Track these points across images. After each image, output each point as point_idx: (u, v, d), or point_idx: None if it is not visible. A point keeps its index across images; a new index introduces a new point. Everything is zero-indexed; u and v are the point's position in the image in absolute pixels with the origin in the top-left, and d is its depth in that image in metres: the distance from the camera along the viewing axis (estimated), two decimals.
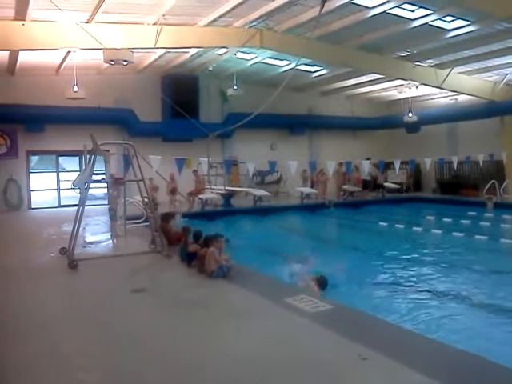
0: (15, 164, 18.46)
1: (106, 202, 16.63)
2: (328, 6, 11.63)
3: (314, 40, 14.76)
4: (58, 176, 19.72)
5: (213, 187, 18.31)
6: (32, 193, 19.21)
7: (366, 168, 19.49)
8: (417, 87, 20.55)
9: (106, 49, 12.41)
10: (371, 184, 21.41)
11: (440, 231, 13.12)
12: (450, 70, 18.02)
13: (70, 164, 21.24)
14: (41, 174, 21.68)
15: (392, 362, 3.91)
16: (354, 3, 12.62)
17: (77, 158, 19.35)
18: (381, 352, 4.07)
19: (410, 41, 15.74)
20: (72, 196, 16.70)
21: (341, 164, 19.75)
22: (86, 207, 8.72)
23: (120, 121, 19.58)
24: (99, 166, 14.95)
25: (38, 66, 17.21)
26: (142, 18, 13.23)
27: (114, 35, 12.60)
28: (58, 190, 19.66)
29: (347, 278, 7.95)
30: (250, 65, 18.91)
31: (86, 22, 12.81)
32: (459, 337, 5.46)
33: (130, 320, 5.29)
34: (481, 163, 19.56)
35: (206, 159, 17.05)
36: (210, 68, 19.68)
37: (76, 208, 8.76)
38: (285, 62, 18.75)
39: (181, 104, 19.18)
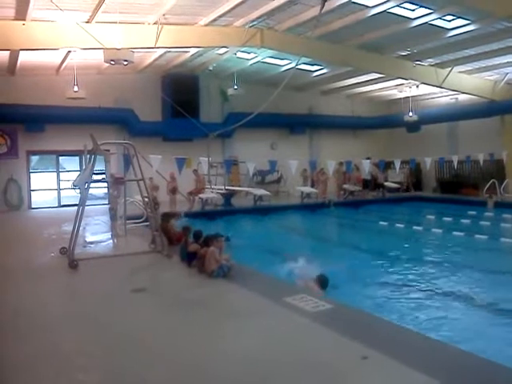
0: (15, 164, 18.47)
1: (107, 202, 16.66)
2: (328, 6, 11.63)
3: (314, 39, 14.74)
4: (58, 176, 19.72)
5: (213, 187, 18.31)
6: (32, 193, 19.21)
7: (367, 167, 19.48)
8: (417, 86, 20.54)
9: (107, 48, 12.40)
10: (371, 183, 21.39)
11: (440, 230, 13.11)
12: (450, 69, 18.01)
13: (71, 164, 21.23)
14: (41, 173, 21.69)
15: (392, 361, 3.91)
16: (354, 2, 12.60)
17: (77, 158, 19.34)
18: (381, 351, 4.07)
19: (411, 40, 15.73)
20: (72, 196, 16.72)
21: (341, 163, 19.75)
22: (86, 207, 8.73)
23: (120, 120, 19.58)
24: (99, 166, 14.95)
25: (38, 66, 17.21)
26: (142, 17, 13.23)
27: (114, 35, 12.59)
28: (59, 189, 19.66)
29: (348, 277, 7.94)
30: (251, 64, 18.90)
31: (87, 22, 12.82)
32: (459, 336, 5.46)
33: (130, 320, 5.29)
34: (481, 162, 19.53)
35: (207, 159, 17.04)
36: (211, 68, 19.67)
37: (76, 208, 8.77)
38: (285, 62, 18.74)
39: (181, 104, 19.17)
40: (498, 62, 17.46)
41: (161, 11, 12.76)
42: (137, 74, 19.57)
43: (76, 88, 16.58)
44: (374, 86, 22.20)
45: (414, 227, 13.82)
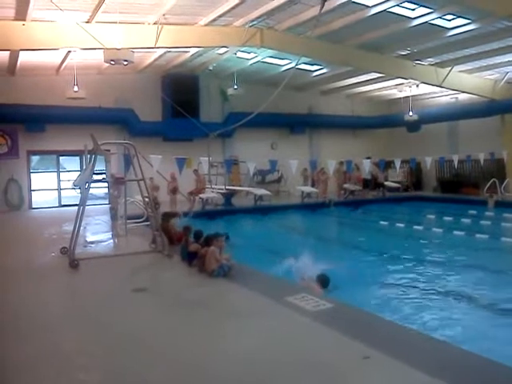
0: (16, 164, 18.48)
1: (107, 202, 16.67)
2: (328, 5, 11.63)
3: (314, 39, 14.76)
4: (58, 176, 19.74)
5: (213, 186, 18.31)
6: (33, 193, 19.22)
7: (367, 167, 19.48)
8: (417, 86, 20.55)
9: (107, 48, 12.41)
10: (372, 183, 21.39)
11: (441, 230, 13.10)
12: (450, 68, 18.00)
13: (71, 164, 21.23)
14: (41, 173, 21.70)
15: (394, 360, 3.90)
16: (354, 2, 12.61)
17: (77, 158, 19.35)
18: (382, 351, 4.06)
19: (411, 39, 15.73)
20: (73, 196, 16.74)
21: (341, 163, 19.76)
22: (86, 207, 8.73)
23: (120, 120, 19.59)
24: (100, 166, 14.89)
25: (38, 66, 17.22)
26: (142, 17, 13.23)
27: (114, 35, 12.60)
28: (59, 189, 19.67)
29: (348, 277, 7.92)
30: (251, 64, 18.90)
31: (87, 22, 12.82)
32: (460, 336, 5.46)
33: (130, 319, 5.29)
34: (481, 162, 19.53)
35: (207, 158, 17.04)
36: (211, 67, 19.67)
37: (77, 208, 8.76)
38: (285, 62, 18.75)
39: (181, 103, 19.17)
40: (499, 61, 17.47)
41: (161, 11, 12.76)
42: (137, 74, 19.57)
43: (76, 88, 16.58)
44: (374, 85, 22.20)
45: (415, 227, 13.81)
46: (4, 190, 18.23)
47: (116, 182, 12.47)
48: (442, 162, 21.61)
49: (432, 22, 13.83)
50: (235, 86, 19.22)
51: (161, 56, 17.38)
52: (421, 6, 13.07)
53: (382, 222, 14.78)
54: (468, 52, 16.64)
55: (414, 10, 13.39)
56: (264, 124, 20.91)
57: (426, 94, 22.46)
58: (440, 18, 13.71)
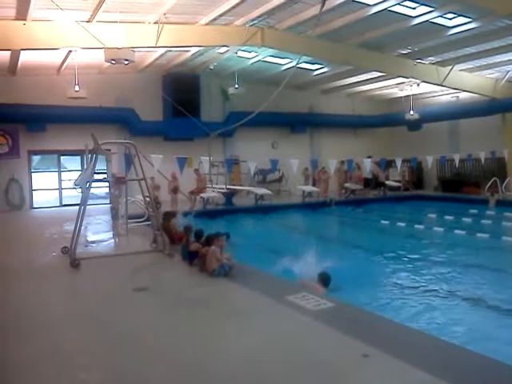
0: (17, 164, 18.49)
1: (108, 201, 16.67)
2: (329, 4, 11.64)
3: (315, 38, 14.76)
4: (59, 175, 19.75)
5: (214, 186, 18.32)
6: (34, 192, 19.24)
7: (368, 166, 19.47)
8: (418, 85, 20.49)
9: (107, 48, 12.41)
10: (373, 182, 21.38)
11: (442, 229, 13.10)
12: (451, 67, 17.97)
13: (72, 163, 21.24)
14: (42, 173, 21.71)
15: (394, 359, 3.90)
16: (354, 1, 12.59)
17: (78, 158, 19.34)
18: (383, 350, 4.07)
19: (411, 38, 15.71)
20: (74, 195, 16.76)
21: (342, 162, 19.76)
22: (87, 206, 8.74)
23: (121, 120, 19.59)
24: (101, 166, 14.92)
25: (39, 66, 17.22)
26: (142, 16, 13.23)
27: (115, 34, 12.60)
28: (60, 189, 19.68)
29: (349, 277, 7.91)
30: (251, 63, 18.88)
31: (87, 22, 12.82)
32: (462, 335, 5.45)
33: (131, 319, 5.29)
34: (482, 161, 19.54)
35: (208, 158, 17.05)
36: (211, 67, 19.66)
37: (78, 207, 8.77)
38: (286, 61, 18.73)
39: (182, 103, 19.18)
40: (499, 60, 17.44)
41: (161, 10, 12.75)
42: (138, 73, 19.57)
43: (77, 88, 16.59)
44: (375, 84, 22.18)
45: (416, 226, 13.81)
46: (5, 190, 18.24)
47: (117, 182, 12.46)
48: (443, 161, 21.61)
49: (433, 20, 13.80)
50: (236, 86, 19.22)
51: (161, 55, 17.37)
52: (421, 4, 13.05)
53: (383, 222, 14.78)
54: (469, 51, 16.61)
55: (414, 8, 13.37)
56: (265, 123, 20.90)
57: (426, 92, 22.43)
58: (441, 16, 13.69)
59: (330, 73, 20.46)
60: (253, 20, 14.20)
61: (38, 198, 19.50)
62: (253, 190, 18.72)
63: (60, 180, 19.67)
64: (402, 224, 14.28)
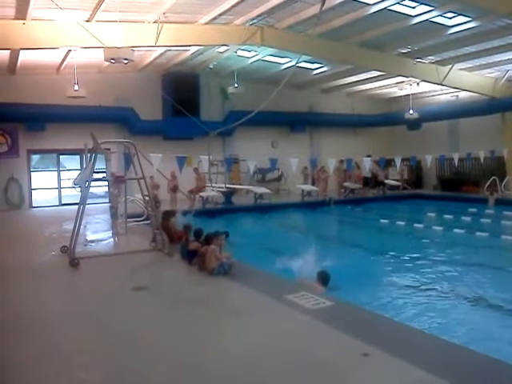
0: (16, 163, 18.47)
1: (107, 201, 16.66)
2: (329, 3, 11.64)
3: (314, 37, 14.76)
4: (59, 175, 19.75)
5: (214, 185, 18.31)
6: (33, 191, 19.23)
7: (367, 165, 19.47)
8: (418, 84, 20.48)
9: (107, 47, 12.39)
10: (372, 181, 21.38)
11: (441, 228, 13.11)
12: (451, 66, 17.98)
13: (71, 163, 21.25)
14: (42, 172, 21.71)
15: (394, 358, 3.90)
16: (354, 0, 12.58)
17: (78, 157, 19.33)
18: (383, 349, 4.07)
19: (411, 37, 15.71)
20: (73, 194, 16.76)
21: (341, 161, 19.75)
22: (86, 205, 8.73)
23: (121, 119, 19.58)
24: (100, 165, 14.87)
25: (38, 65, 17.21)
26: (142, 16, 13.21)
27: (114, 33, 12.59)
28: (59, 188, 19.68)
29: (349, 276, 7.92)
30: (251, 62, 18.88)
31: (87, 21, 12.81)
32: (463, 335, 5.44)
33: (130, 318, 5.29)
34: (482, 160, 19.53)
35: (207, 157, 17.05)
36: (211, 66, 19.65)
37: (77, 206, 8.77)
38: (285, 60, 18.73)
39: (181, 102, 19.18)
40: (499, 59, 17.44)
41: (161, 10, 12.75)
42: (137, 72, 19.57)
43: (76, 87, 16.57)
44: (375, 83, 22.18)
45: (415, 225, 13.81)
46: (4, 189, 18.24)
47: (116, 181, 12.45)
48: (443, 160, 21.61)
49: (432, 19, 13.80)
50: (235, 85, 19.21)
51: (161, 54, 17.37)
52: (421, 3, 13.05)
53: (382, 221, 14.78)
54: (468, 50, 16.62)
55: (414, 7, 13.37)
56: (264, 122, 20.90)
57: (426, 92, 22.44)
58: (440, 15, 13.69)
59: (330, 72, 20.46)
60: (252, 19, 14.19)
61: (38, 197, 19.49)
62: (252, 189, 18.73)
63: (59, 179, 19.67)
64: (402, 223, 14.29)
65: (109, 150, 14.19)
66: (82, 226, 8.93)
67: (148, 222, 10.49)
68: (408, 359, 3.86)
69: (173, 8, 12.70)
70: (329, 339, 4.46)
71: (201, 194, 17.03)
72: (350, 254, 10.32)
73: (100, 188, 20.05)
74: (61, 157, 20.03)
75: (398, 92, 23.07)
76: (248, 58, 18.43)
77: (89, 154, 8.72)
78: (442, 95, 22.76)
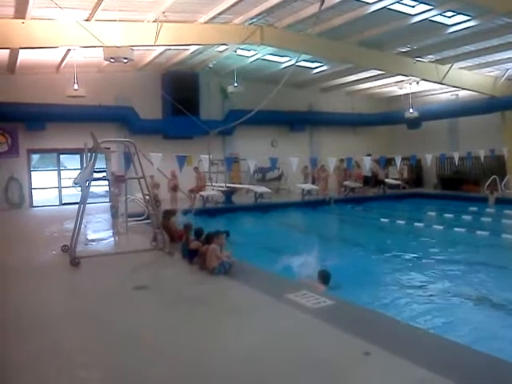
0: (16, 162, 18.48)
1: (108, 200, 16.65)
2: (328, 2, 11.64)
3: (314, 36, 14.74)
4: (59, 174, 19.76)
5: (214, 184, 18.31)
6: (33, 191, 19.24)
7: (367, 164, 19.46)
8: (417, 83, 20.51)
9: (106, 46, 12.39)
10: (372, 180, 21.38)
11: (441, 227, 13.11)
12: (450, 65, 17.97)
13: (71, 162, 21.25)
14: (42, 172, 21.70)
15: (395, 357, 3.90)
16: None
17: (78, 156, 19.34)
18: (384, 347, 4.07)
19: (411, 36, 15.70)
20: (73, 194, 16.74)
21: (341, 160, 19.74)
22: (87, 205, 8.73)
23: (120, 118, 19.57)
24: (100, 164, 14.93)
25: (38, 65, 17.20)
26: (141, 15, 13.21)
27: (113, 33, 12.58)
28: (60, 188, 19.68)
29: (349, 275, 7.91)
30: (251, 62, 18.89)
31: (86, 20, 12.80)
32: (466, 334, 5.42)
33: (131, 317, 5.29)
34: (482, 159, 19.53)
35: (207, 156, 17.05)
36: (211, 65, 19.65)
37: (77, 206, 8.77)
38: (285, 59, 18.72)
39: (181, 101, 19.17)
40: (499, 58, 17.44)
41: (160, 9, 12.74)
42: (137, 71, 19.56)
43: (76, 86, 16.57)
44: (374, 82, 22.18)
45: (415, 224, 13.81)
46: (5, 189, 18.24)
47: (116, 180, 12.45)
48: (443, 158, 21.60)
49: (432, 18, 13.79)
50: (235, 84, 19.20)
51: (161, 54, 17.36)
52: (421, 2, 13.04)
53: (382, 219, 14.78)
54: (468, 49, 16.61)
55: (413, 6, 13.36)
56: (264, 121, 20.90)
57: (426, 91, 22.43)
58: (440, 14, 13.68)
59: (330, 71, 20.45)
60: (252, 18, 14.18)
61: (38, 197, 19.49)
62: (252, 188, 18.73)
63: (59, 178, 19.68)
64: (402, 222, 14.29)
65: (109, 149, 14.25)
66: (82, 226, 8.93)
67: (148, 221, 10.49)
68: (409, 358, 3.86)
69: (172, 7, 12.70)
70: (330, 338, 4.46)
71: (201, 193, 17.03)
72: (350, 253, 10.32)
73: (100, 187, 20.03)
74: (61, 156, 20.03)
75: (397, 91, 23.09)
76: (247, 57, 18.43)
77: (89, 154, 8.72)
78: (442, 94, 22.75)
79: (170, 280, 7.13)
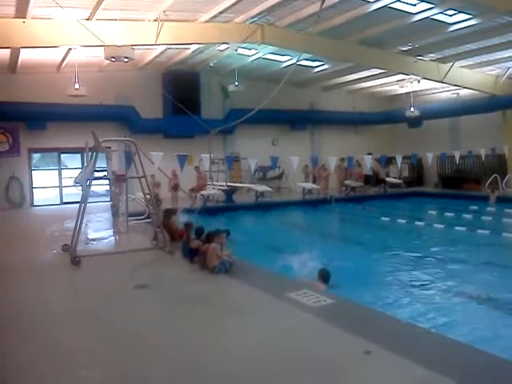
0: (17, 162, 18.50)
1: (108, 199, 16.65)
2: (329, 1, 11.64)
3: (315, 35, 14.72)
4: (60, 173, 19.77)
5: (215, 183, 18.31)
6: (34, 190, 19.25)
7: (368, 163, 19.45)
8: (418, 82, 20.49)
9: (107, 46, 12.38)
10: (373, 179, 21.38)
11: (442, 226, 13.10)
12: (451, 64, 17.96)
13: (72, 161, 21.26)
14: (43, 171, 21.72)
15: (396, 356, 3.89)
16: None
17: (79, 156, 19.34)
18: (384, 346, 4.06)
19: (412, 35, 15.68)
20: (74, 193, 16.76)
21: (342, 159, 19.72)
22: (88, 204, 8.74)
23: (121, 118, 19.58)
24: (101, 163, 14.95)
25: (39, 64, 17.21)
26: (142, 14, 13.21)
27: (114, 32, 12.57)
28: (60, 187, 19.70)
29: (350, 274, 7.92)
30: (251, 60, 18.88)
31: (87, 19, 12.81)
32: (468, 333, 5.41)
33: (132, 316, 5.29)
34: (483, 157, 19.54)
35: (208, 155, 17.02)
36: (211, 64, 19.64)
37: (78, 205, 8.78)
38: (286, 58, 18.71)
39: (182, 100, 19.18)
40: (500, 57, 17.42)
41: (161, 8, 12.73)
42: (137, 71, 19.56)
43: (77, 85, 16.55)
44: (376, 81, 22.17)
45: (416, 223, 13.80)
46: (5, 188, 18.26)
47: (117, 179, 12.44)
48: (444, 157, 21.61)
49: (433, 17, 13.78)
50: (236, 83, 19.18)
51: (161, 53, 17.36)
52: (422, 1, 13.02)
53: (383, 218, 14.77)
54: (469, 47, 16.59)
55: (415, 5, 13.34)
56: (265, 120, 20.90)
57: (427, 89, 22.41)
58: (441, 13, 13.66)
59: (331, 70, 20.44)
60: (253, 17, 14.18)
61: (39, 196, 19.51)
62: (253, 187, 18.74)
63: (60, 178, 19.70)
64: (403, 221, 14.28)
65: (110, 148, 14.26)
66: (83, 225, 8.94)
67: (149, 220, 10.49)
68: (410, 357, 3.85)
69: (173, 6, 12.69)
70: (330, 337, 4.46)
71: (202, 192, 17.03)
72: (351, 251, 10.32)
73: (101, 186, 20.04)
74: (62, 155, 20.04)
75: (398, 90, 23.05)
76: (248, 56, 18.43)
77: (90, 153, 8.73)
78: (443, 93, 22.72)
79: (170, 279, 7.13)
